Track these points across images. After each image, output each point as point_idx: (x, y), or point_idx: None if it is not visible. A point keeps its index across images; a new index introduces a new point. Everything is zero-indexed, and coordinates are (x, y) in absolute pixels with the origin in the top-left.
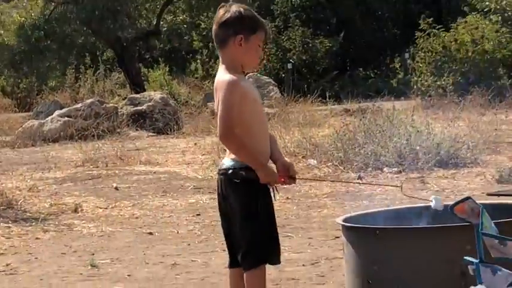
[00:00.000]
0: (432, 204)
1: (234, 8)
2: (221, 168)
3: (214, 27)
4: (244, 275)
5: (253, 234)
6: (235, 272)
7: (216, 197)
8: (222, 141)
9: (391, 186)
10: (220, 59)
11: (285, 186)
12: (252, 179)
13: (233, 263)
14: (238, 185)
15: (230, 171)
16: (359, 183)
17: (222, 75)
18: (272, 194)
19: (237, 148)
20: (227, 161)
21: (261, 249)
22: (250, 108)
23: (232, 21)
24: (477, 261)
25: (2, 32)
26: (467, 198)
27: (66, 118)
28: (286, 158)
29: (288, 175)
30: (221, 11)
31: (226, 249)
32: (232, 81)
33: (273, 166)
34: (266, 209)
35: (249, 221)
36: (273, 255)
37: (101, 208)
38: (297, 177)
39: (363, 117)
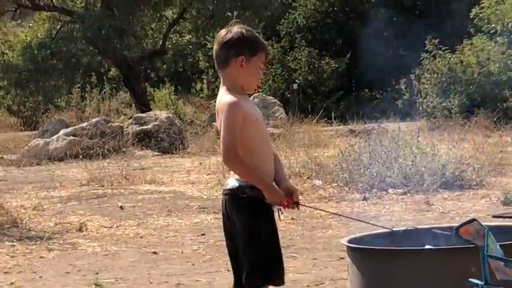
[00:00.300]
0: None
1: (236, 29)
2: (225, 189)
3: (215, 47)
4: None
5: (256, 255)
6: None
7: (221, 217)
8: (226, 164)
9: (383, 227)
10: (221, 79)
11: (287, 209)
12: (256, 197)
13: (238, 284)
14: (242, 205)
15: (235, 189)
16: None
17: (223, 97)
18: (276, 215)
19: (241, 170)
20: (232, 181)
21: (264, 271)
22: (252, 129)
23: (234, 42)
24: (482, 283)
25: (8, 51)
26: (473, 220)
27: (71, 137)
28: (290, 181)
29: (292, 200)
30: (223, 32)
31: (230, 269)
32: (233, 103)
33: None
34: (269, 230)
35: (251, 241)
36: (276, 276)
37: (105, 227)
38: (300, 203)
39: (368, 138)
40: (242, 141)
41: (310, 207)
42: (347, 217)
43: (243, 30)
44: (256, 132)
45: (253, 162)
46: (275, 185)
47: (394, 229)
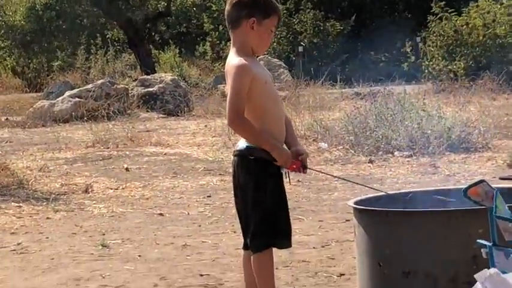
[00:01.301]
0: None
1: None
2: (235, 149)
3: (227, 7)
4: (251, 257)
5: (261, 217)
6: (249, 254)
7: (230, 178)
8: (231, 126)
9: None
10: (232, 40)
11: (295, 173)
12: (265, 159)
13: (247, 245)
14: (250, 167)
15: (244, 151)
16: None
17: (232, 59)
18: (285, 178)
19: (247, 132)
20: (242, 142)
21: (268, 233)
22: (261, 91)
23: (246, 2)
24: (490, 244)
25: (11, 12)
26: (481, 181)
27: (76, 99)
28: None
29: (300, 163)
30: None
31: (236, 230)
32: (242, 65)
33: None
34: (276, 192)
35: (258, 203)
36: (282, 239)
37: (111, 189)
38: (308, 167)
39: (374, 100)
40: (251, 103)
41: (317, 171)
42: (350, 181)
43: None
44: (265, 94)
45: (263, 124)
46: (283, 147)
47: (389, 192)
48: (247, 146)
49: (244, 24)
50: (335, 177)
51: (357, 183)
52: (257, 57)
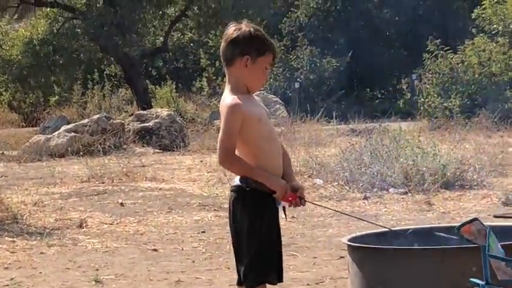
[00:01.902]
0: None
1: (245, 28)
2: (232, 185)
3: (222, 44)
4: None
5: (255, 252)
6: None
7: (225, 214)
8: (222, 165)
9: (383, 226)
10: (227, 78)
11: (292, 207)
12: (262, 191)
13: (241, 281)
14: (246, 201)
15: (240, 184)
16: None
17: (226, 97)
18: (282, 214)
19: (239, 169)
20: (238, 177)
21: (261, 269)
22: (256, 129)
23: (240, 40)
24: (483, 283)
25: (8, 47)
26: (474, 219)
27: (72, 133)
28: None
29: (297, 196)
30: (232, 29)
31: (230, 267)
32: (232, 105)
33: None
34: (271, 228)
35: (252, 239)
36: (274, 274)
37: (106, 224)
38: (306, 200)
39: (369, 137)
40: (245, 142)
41: (315, 204)
42: (351, 216)
43: (252, 29)
44: (260, 132)
45: (257, 162)
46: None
47: (393, 229)
48: (242, 178)
49: (238, 62)
50: (334, 210)
51: (354, 217)
52: (253, 93)
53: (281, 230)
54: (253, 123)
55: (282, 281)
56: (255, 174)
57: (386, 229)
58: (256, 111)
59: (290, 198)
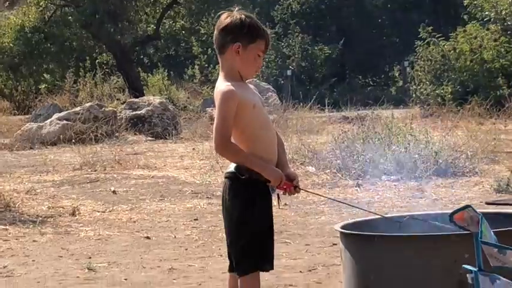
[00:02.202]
0: None
1: (236, 15)
2: (226, 172)
3: (215, 32)
4: (238, 281)
5: (247, 240)
6: (234, 277)
7: (219, 201)
8: (218, 152)
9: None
10: (220, 65)
11: (287, 194)
12: (256, 179)
13: (233, 267)
14: (240, 188)
15: (235, 171)
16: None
17: (220, 85)
18: (274, 200)
19: (234, 156)
20: (233, 164)
21: (254, 256)
22: (250, 116)
23: (232, 28)
24: (476, 269)
25: None
26: (467, 206)
27: (64, 121)
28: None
29: (291, 184)
30: (223, 16)
31: (223, 254)
32: (227, 91)
33: None
34: (264, 214)
35: (244, 226)
36: (265, 262)
37: (98, 212)
38: (301, 188)
39: (362, 124)
40: (240, 128)
41: (309, 192)
42: (344, 203)
43: (243, 17)
44: (254, 119)
45: (252, 149)
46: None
47: (386, 216)
48: (237, 166)
49: (230, 49)
50: (327, 198)
51: (346, 204)
52: (246, 80)
53: (273, 218)
54: (248, 110)
55: (272, 269)
56: (250, 162)
57: (379, 216)
58: (251, 98)
59: (285, 187)
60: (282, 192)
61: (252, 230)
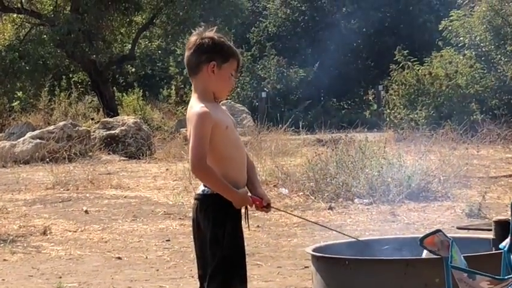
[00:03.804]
0: None
1: (208, 35)
2: (196, 193)
3: (186, 53)
4: None
5: (218, 261)
6: None
7: (190, 222)
8: (194, 173)
9: (350, 236)
10: (193, 86)
11: (258, 213)
12: (225, 201)
13: None
14: (210, 209)
15: (204, 193)
16: (324, 226)
17: (194, 106)
18: (244, 221)
19: (209, 180)
20: (202, 185)
21: (224, 277)
22: (223, 137)
23: (205, 48)
24: None
25: None
26: (437, 231)
27: (38, 140)
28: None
29: (262, 202)
30: (193, 37)
31: (194, 275)
32: (203, 113)
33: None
34: (233, 236)
35: (214, 247)
36: (238, 283)
37: (70, 231)
38: (273, 207)
39: (336, 147)
40: (212, 149)
41: (280, 210)
42: (316, 224)
43: (215, 36)
44: (226, 140)
45: (223, 169)
46: (243, 191)
47: (360, 239)
48: (208, 191)
49: (205, 69)
50: (300, 218)
51: (320, 225)
52: (220, 102)
53: (245, 240)
54: (221, 131)
55: None
56: (222, 187)
57: (353, 239)
58: (224, 119)
59: (257, 202)
60: (255, 208)
61: (223, 251)
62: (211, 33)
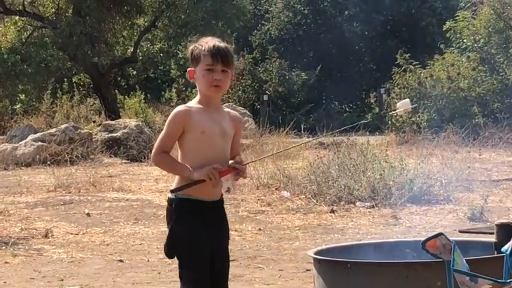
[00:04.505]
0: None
1: (192, 46)
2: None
3: None
4: None
5: (182, 264)
6: None
7: None
8: (153, 162)
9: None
10: None
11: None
12: (183, 211)
13: None
14: (171, 218)
15: (168, 201)
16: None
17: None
18: (224, 193)
19: (164, 166)
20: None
21: (190, 280)
22: (197, 140)
23: (189, 58)
24: None
25: None
26: (440, 234)
27: (40, 143)
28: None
29: (233, 169)
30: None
31: None
32: (174, 113)
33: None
34: (196, 238)
35: (176, 249)
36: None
37: (71, 234)
38: (243, 163)
39: (337, 150)
40: (185, 150)
41: (253, 161)
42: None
43: (193, 45)
44: (200, 144)
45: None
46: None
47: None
48: (169, 197)
49: (189, 77)
50: (266, 157)
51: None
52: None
53: (247, 243)
54: (195, 135)
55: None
56: (177, 168)
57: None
58: (205, 124)
59: (225, 172)
60: (231, 184)
61: (187, 254)
62: (196, 41)
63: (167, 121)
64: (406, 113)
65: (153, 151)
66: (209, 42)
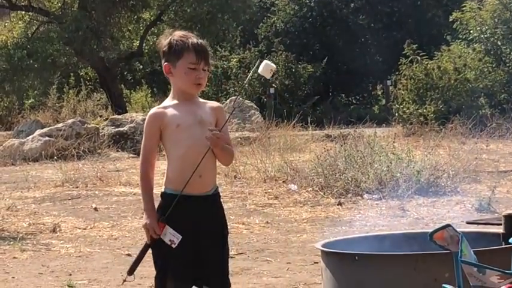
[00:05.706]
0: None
1: (168, 38)
2: None
3: None
4: None
5: (156, 263)
6: None
7: None
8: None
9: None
10: None
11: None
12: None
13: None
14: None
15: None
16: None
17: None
18: (168, 240)
19: (141, 187)
20: None
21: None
22: (170, 136)
23: (163, 51)
24: None
25: None
26: (447, 225)
27: (47, 138)
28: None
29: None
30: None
31: None
32: (149, 116)
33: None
34: (158, 244)
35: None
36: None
37: (79, 228)
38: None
39: (344, 143)
40: (167, 147)
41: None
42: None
43: (171, 38)
44: (178, 136)
45: (170, 167)
46: (153, 215)
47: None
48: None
49: (165, 71)
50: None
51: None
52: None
53: (254, 236)
54: (170, 130)
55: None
56: (144, 193)
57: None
58: (178, 118)
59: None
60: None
61: (160, 255)
62: (172, 34)
63: (144, 126)
64: (271, 72)
65: (139, 160)
66: (190, 38)
